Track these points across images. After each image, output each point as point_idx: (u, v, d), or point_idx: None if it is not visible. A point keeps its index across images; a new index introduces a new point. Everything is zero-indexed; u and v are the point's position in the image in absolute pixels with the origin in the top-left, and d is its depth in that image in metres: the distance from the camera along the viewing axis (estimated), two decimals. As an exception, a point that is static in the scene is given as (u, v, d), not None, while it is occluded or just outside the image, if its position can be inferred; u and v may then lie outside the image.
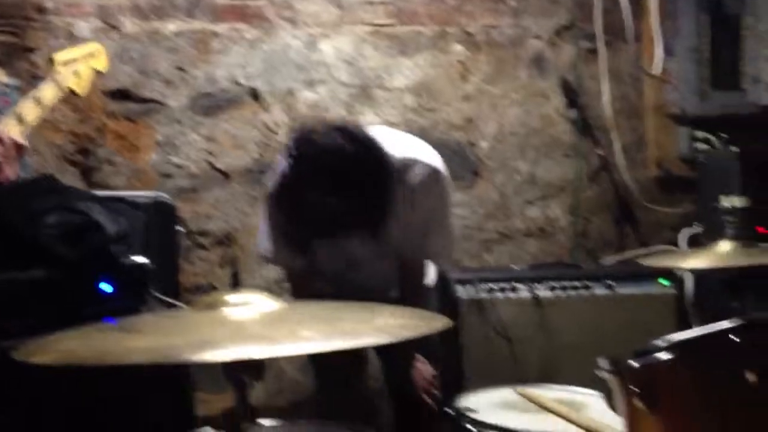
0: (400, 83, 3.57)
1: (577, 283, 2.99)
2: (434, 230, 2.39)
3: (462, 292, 2.92)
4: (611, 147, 3.69)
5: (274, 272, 3.40)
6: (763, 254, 2.24)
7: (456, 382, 2.75)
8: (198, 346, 1.18)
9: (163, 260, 2.63)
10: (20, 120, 2.03)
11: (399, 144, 2.30)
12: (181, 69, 3.36)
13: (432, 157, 2.34)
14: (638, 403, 1.51)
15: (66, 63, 2.38)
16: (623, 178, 3.68)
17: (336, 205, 2.03)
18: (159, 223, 2.76)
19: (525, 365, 2.86)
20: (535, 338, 2.92)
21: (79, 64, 2.44)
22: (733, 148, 3.10)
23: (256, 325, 1.29)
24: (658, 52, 3.45)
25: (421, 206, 2.31)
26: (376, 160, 2.11)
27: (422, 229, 2.35)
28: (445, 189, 2.38)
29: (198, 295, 2.61)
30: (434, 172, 2.31)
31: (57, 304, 2.15)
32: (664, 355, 1.51)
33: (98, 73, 2.59)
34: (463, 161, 3.64)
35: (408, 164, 2.27)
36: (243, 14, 3.39)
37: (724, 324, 1.52)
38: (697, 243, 3.40)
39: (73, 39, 3.17)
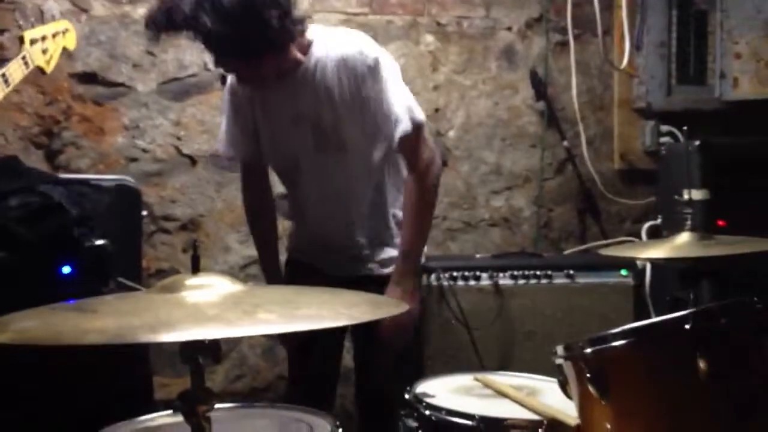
0: (369, 72, 3.57)
1: (538, 272, 3.04)
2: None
3: (425, 280, 2.95)
4: (577, 139, 3.73)
5: (237, 257, 3.41)
6: (720, 246, 2.28)
7: (416, 368, 2.78)
8: (154, 327, 1.19)
9: (125, 244, 2.64)
10: (-14, 97, 2.02)
11: (336, 40, 2.35)
12: (150, 53, 3.34)
13: (367, 47, 2.33)
14: (591, 389, 1.54)
15: (35, 41, 2.36)
16: (588, 170, 3.72)
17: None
18: (123, 207, 2.76)
19: (485, 353, 2.90)
20: (495, 326, 2.96)
21: (48, 42, 2.42)
22: (695, 142, 3.14)
23: (214, 308, 1.30)
24: (627, 46, 3.49)
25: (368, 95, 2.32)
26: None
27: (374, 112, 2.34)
28: (383, 72, 2.33)
29: (160, 280, 2.61)
30: (373, 61, 2.31)
31: (16, 285, 2.15)
32: (617, 342, 1.54)
33: (66, 52, 2.58)
34: (431, 151, 3.66)
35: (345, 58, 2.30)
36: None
37: (677, 313, 1.56)
38: (657, 235, 3.45)
39: (42, 19, 3.14)
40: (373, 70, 2.30)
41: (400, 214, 2.51)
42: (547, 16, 3.75)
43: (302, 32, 2.30)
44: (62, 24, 2.57)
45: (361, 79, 2.30)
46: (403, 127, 2.33)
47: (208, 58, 3.34)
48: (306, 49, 2.34)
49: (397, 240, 2.49)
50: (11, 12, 3.16)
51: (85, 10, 3.24)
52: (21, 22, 3.11)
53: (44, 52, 2.38)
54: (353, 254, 2.50)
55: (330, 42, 2.35)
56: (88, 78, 3.26)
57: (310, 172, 2.44)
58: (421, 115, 2.39)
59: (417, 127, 2.36)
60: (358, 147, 2.39)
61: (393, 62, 2.41)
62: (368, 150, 2.41)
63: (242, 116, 2.47)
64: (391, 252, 2.51)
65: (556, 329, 2.94)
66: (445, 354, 2.93)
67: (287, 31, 2.23)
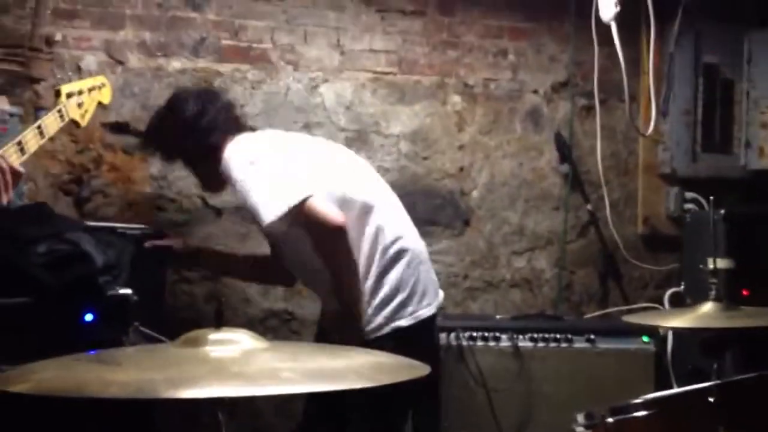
0: (396, 130, 3.62)
1: (558, 336, 3.02)
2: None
3: (443, 338, 2.94)
4: (601, 202, 3.74)
5: (256, 310, 3.42)
6: (745, 317, 2.26)
7: (433, 428, 2.76)
8: (175, 383, 1.20)
9: (149, 293, 2.65)
10: (21, 148, 2.06)
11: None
12: (181, 105, 3.39)
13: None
14: (611, 460, 1.53)
15: (71, 95, 2.41)
16: (611, 233, 3.72)
17: None
18: (147, 256, 2.78)
19: (502, 415, 2.88)
20: (513, 388, 2.94)
21: (84, 96, 2.48)
22: (720, 211, 3.13)
23: (236, 364, 1.31)
24: (653, 112, 3.51)
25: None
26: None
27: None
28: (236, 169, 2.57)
29: (181, 329, 2.62)
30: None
31: (39, 330, 2.16)
32: (639, 413, 1.53)
33: (101, 106, 2.63)
34: (454, 209, 3.68)
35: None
36: (247, 56, 3.44)
37: (700, 384, 1.55)
38: (680, 302, 3.43)
39: (79, 72, 3.22)
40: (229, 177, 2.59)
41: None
42: (573, 81, 3.79)
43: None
44: (99, 79, 2.63)
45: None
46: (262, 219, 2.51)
47: (238, 112, 3.41)
48: None
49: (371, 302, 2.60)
50: (48, 62, 3.23)
51: (120, 62, 3.32)
52: (58, 75, 3.19)
53: (80, 105, 2.43)
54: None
55: None
56: (120, 128, 3.32)
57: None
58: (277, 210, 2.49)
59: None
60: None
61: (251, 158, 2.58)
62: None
63: None
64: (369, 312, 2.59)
65: (575, 394, 2.90)
66: (462, 415, 2.91)
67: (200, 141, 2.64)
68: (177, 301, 3.26)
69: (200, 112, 2.66)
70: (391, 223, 2.67)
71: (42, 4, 3.21)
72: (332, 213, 2.50)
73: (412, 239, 2.72)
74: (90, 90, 2.52)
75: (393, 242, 2.64)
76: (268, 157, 2.58)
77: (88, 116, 2.50)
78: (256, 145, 2.65)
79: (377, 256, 2.62)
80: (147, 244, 2.73)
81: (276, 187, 2.50)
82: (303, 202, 2.47)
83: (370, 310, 2.59)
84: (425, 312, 2.64)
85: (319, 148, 2.81)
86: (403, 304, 2.61)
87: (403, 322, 2.60)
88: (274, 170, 2.54)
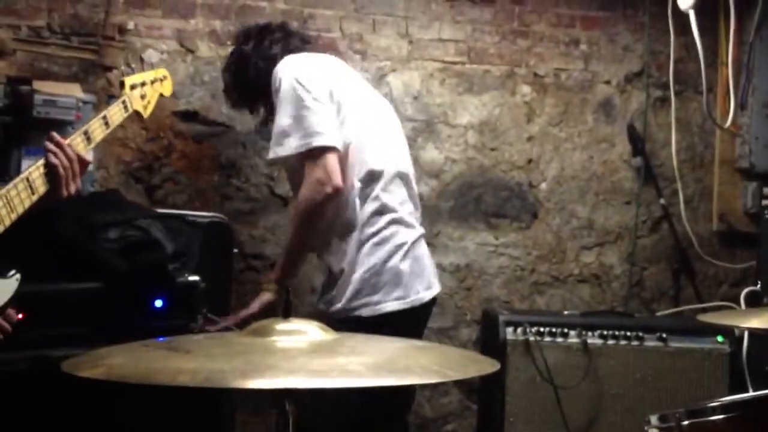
0: (464, 120, 3.58)
1: (628, 333, 2.95)
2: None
3: (510, 333, 2.89)
4: (674, 197, 3.63)
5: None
6: (826, 319, 2.16)
7: (498, 424, 2.72)
8: (244, 373, 1.19)
9: (216, 280, 2.67)
10: (87, 137, 2.09)
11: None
12: (250, 94, 3.41)
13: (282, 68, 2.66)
14: (686, 464, 1.47)
15: (134, 87, 2.45)
16: (684, 229, 3.61)
17: None
18: (215, 244, 2.80)
19: (570, 413, 2.82)
20: (581, 386, 2.88)
21: (147, 88, 2.52)
22: (802, 208, 3.02)
23: (304, 356, 1.30)
24: (731, 105, 3.39)
25: None
26: None
27: None
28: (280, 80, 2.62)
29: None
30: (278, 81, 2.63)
31: (110, 316, 2.19)
32: (717, 416, 1.47)
33: (162, 96, 2.68)
34: (522, 202, 3.62)
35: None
36: (316, 44, 3.44)
37: (780, 389, 1.48)
38: (756, 301, 3.31)
39: (150, 62, 3.26)
40: (278, 89, 2.60)
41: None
42: (648, 71, 3.69)
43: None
44: (161, 72, 2.68)
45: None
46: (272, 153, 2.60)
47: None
48: None
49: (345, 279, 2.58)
50: (121, 51, 3.28)
51: (191, 51, 3.35)
52: (130, 63, 3.24)
53: (143, 97, 2.47)
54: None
55: None
56: (190, 116, 3.35)
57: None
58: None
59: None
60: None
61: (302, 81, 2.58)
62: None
63: None
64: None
65: (645, 393, 2.83)
66: (528, 411, 2.86)
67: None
68: (244, 289, 3.28)
69: (258, 43, 2.80)
70: (393, 201, 2.62)
71: (115, -7, 3.26)
72: (338, 174, 2.50)
73: (407, 222, 2.65)
74: (152, 82, 2.56)
75: (388, 223, 2.59)
76: (314, 85, 2.57)
77: (150, 108, 2.54)
78: (311, 68, 2.65)
79: (367, 230, 2.57)
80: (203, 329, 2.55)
81: (303, 122, 2.52)
82: (322, 149, 2.49)
83: (337, 289, 2.57)
84: (391, 306, 2.54)
85: (365, 97, 2.77)
86: (370, 293, 2.54)
87: (365, 312, 2.54)
88: (313, 103, 2.54)
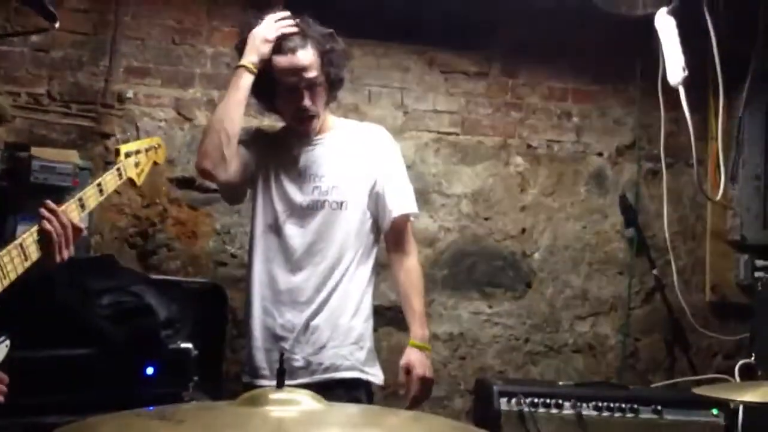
0: (458, 190, 3.61)
1: (623, 405, 2.92)
2: None
3: (504, 403, 2.86)
4: (667, 268, 3.65)
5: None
6: (821, 393, 2.16)
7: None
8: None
9: (209, 347, 2.65)
10: (82, 204, 2.11)
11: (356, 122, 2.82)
12: (245, 162, 3.44)
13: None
14: None
15: (129, 154, 2.47)
16: (678, 300, 3.62)
17: None
18: (209, 310, 2.79)
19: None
20: (577, 459, 2.84)
21: (141, 156, 2.54)
22: (794, 280, 3.03)
23: (297, 426, 1.28)
24: (722, 177, 3.44)
25: None
26: None
27: None
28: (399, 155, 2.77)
29: (239, 384, 2.61)
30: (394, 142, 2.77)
31: (101, 383, 2.17)
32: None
33: (156, 164, 2.70)
34: (516, 271, 3.63)
35: None
36: (311, 113, 3.49)
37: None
38: (750, 374, 3.30)
39: (145, 131, 3.30)
40: (396, 149, 2.69)
41: (363, 308, 2.56)
42: (639, 144, 3.74)
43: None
44: (156, 140, 2.69)
45: (386, 154, 2.63)
46: (407, 207, 2.64)
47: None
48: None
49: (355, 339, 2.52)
50: (119, 119, 3.32)
51: (189, 119, 3.39)
52: (127, 131, 3.28)
53: (137, 165, 2.49)
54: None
55: (355, 123, 2.79)
56: (186, 183, 3.38)
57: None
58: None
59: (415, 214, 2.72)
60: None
61: None
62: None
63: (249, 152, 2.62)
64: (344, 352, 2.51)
65: (641, 467, 2.80)
66: (522, 485, 2.82)
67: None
68: (236, 356, 3.26)
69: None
70: None
71: (115, 62, 3.32)
72: None
73: None
74: (147, 150, 2.58)
75: None
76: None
77: (143, 175, 2.56)
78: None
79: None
80: None
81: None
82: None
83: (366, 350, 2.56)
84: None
85: None
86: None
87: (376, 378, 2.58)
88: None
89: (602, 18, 3.25)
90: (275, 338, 2.49)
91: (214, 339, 2.89)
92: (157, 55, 3.38)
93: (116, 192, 2.54)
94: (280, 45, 2.46)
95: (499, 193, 3.64)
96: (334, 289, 2.50)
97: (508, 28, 3.63)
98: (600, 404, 2.92)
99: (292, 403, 1.34)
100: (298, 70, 2.46)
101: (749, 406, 3.16)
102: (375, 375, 2.55)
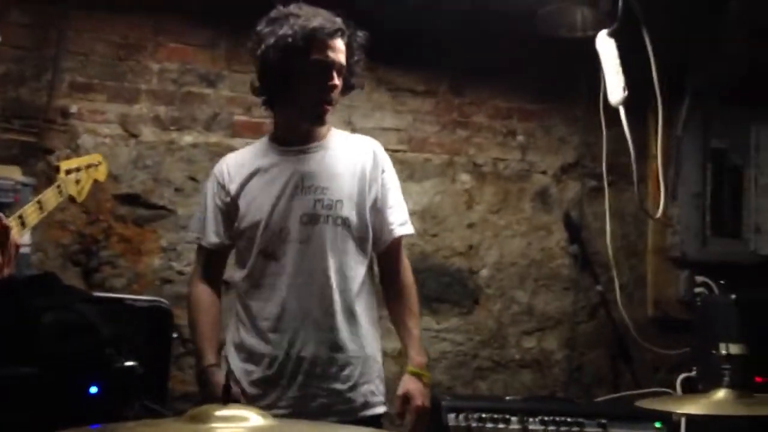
0: (407, 207, 3.62)
1: (569, 419, 2.95)
2: None
3: (452, 419, 2.88)
4: (610, 284, 3.71)
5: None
6: (760, 405, 2.21)
7: None
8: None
9: (154, 365, 2.62)
10: (22, 222, 2.07)
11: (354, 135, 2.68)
12: (193, 179, 3.41)
13: None
14: None
15: (69, 171, 2.44)
16: (621, 316, 3.68)
17: None
18: (154, 328, 2.75)
19: (512, 501, 2.80)
20: (523, 474, 2.86)
21: (82, 173, 2.50)
22: (732, 295, 3.11)
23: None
24: (662, 195, 3.51)
25: None
26: None
27: None
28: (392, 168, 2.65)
29: (186, 403, 2.58)
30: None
31: (44, 402, 2.13)
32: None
33: (96, 182, 2.64)
34: (463, 288, 3.66)
35: None
36: (259, 130, 3.47)
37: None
38: (692, 387, 3.36)
39: (89, 146, 3.26)
40: (392, 167, 2.58)
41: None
42: (582, 162, 3.81)
43: None
44: (96, 157, 2.65)
45: (384, 168, 2.52)
46: (408, 228, 2.54)
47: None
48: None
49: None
50: (63, 134, 3.27)
51: (135, 135, 3.36)
52: (71, 146, 3.23)
53: (77, 182, 2.45)
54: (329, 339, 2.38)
55: (347, 134, 2.62)
56: (131, 200, 3.34)
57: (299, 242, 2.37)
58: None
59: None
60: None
61: None
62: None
63: (222, 203, 2.44)
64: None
65: (586, 481, 2.83)
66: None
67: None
68: (182, 375, 3.22)
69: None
70: None
71: (58, 77, 3.27)
72: None
73: None
74: (87, 167, 2.54)
75: None
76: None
77: (84, 193, 2.52)
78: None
79: None
80: None
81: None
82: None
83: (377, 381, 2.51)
84: None
85: None
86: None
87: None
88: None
89: (546, 38, 3.32)
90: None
91: (159, 357, 2.85)
92: (102, 71, 3.35)
93: (60, 209, 2.50)
94: (323, 25, 2.34)
95: (447, 210, 3.68)
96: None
97: (456, 47, 3.67)
98: (546, 418, 2.95)
99: (238, 419, 1.34)
100: (338, 51, 2.37)
101: (691, 419, 3.22)
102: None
